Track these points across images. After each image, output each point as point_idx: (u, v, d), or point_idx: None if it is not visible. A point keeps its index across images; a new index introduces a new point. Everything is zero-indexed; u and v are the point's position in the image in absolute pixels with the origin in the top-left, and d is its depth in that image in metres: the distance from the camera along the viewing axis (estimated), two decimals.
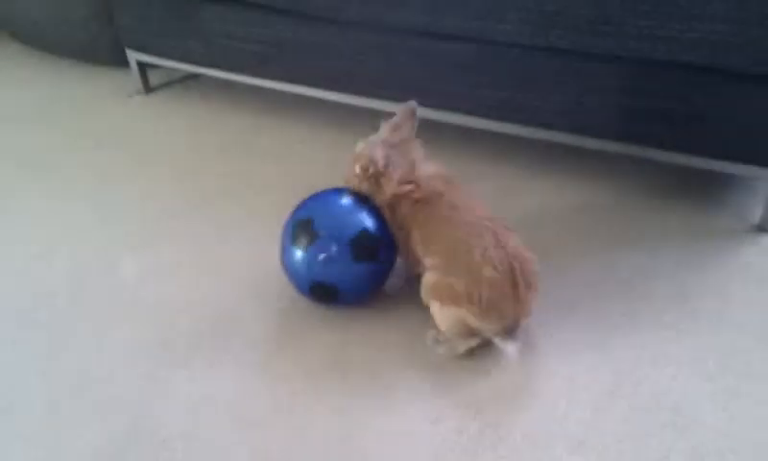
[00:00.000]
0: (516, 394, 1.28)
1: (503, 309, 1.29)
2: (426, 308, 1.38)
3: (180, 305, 1.53)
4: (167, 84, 2.58)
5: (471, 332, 1.34)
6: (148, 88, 2.52)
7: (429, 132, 2.09)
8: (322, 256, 1.37)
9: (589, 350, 1.36)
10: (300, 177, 1.93)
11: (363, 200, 1.44)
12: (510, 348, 1.32)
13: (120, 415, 1.28)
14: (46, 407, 1.31)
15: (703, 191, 1.83)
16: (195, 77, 2.61)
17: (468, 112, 1.89)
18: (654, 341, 1.38)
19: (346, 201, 1.44)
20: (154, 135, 2.25)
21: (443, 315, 1.35)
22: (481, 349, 1.35)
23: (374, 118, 2.12)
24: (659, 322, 1.42)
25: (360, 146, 1.48)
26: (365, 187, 1.46)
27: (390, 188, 1.43)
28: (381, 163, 1.42)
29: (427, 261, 1.37)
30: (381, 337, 1.42)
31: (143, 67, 2.48)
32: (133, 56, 2.44)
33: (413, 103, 1.50)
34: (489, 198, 1.79)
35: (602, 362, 1.33)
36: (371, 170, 1.43)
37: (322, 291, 1.42)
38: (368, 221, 1.41)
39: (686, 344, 1.37)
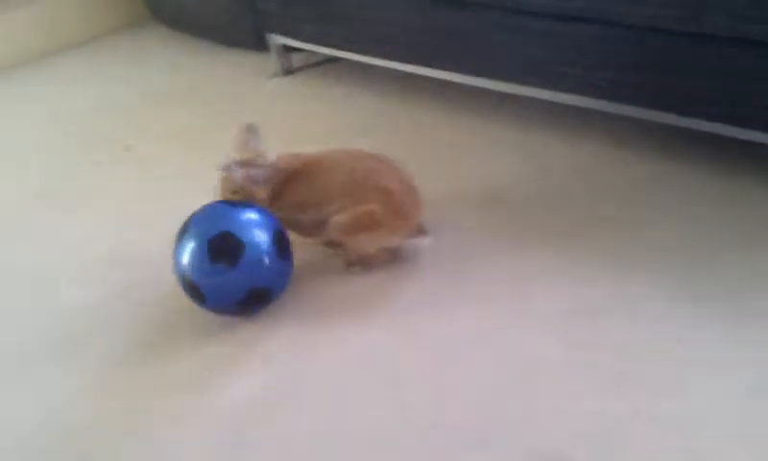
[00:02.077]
0: (665, 380, 1.26)
1: (413, 214, 1.53)
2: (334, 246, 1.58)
3: (320, 273, 1.61)
4: (305, 67, 2.68)
5: (383, 250, 1.56)
6: (286, 71, 2.63)
7: (556, 115, 2.10)
8: (185, 255, 1.39)
9: (735, 343, 1.32)
10: (431, 157, 2.00)
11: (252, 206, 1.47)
12: (426, 241, 1.58)
13: (269, 371, 1.37)
14: (199, 361, 1.42)
15: None
16: (333, 60, 2.69)
17: (601, 96, 1.85)
18: None
19: (226, 205, 1.48)
20: (293, 117, 2.36)
21: (368, 242, 1.52)
22: (624, 332, 1.36)
23: (504, 102, 2.16)
24: None
25: (221, 175, 1.55)
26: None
27: (263, 193, 1.54)
28: (242, 182, 1.52)
29: (332, 210, 1.50)
30: (520, 311, 1.44)
31: (283, 50, 2.59)
32: (274, 39, 2.56)
33: (249, 123, 1.61)
34: (620, 188, 1.78)
35: (748, 354, 1.30)
36: (239, 192, 1.53)
37: (191, 291, 1.42)
38: (236, 223, 1.41)
39: None
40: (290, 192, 1.56)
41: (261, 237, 1.41)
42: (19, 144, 2.41)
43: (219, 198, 1.56)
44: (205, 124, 2.35)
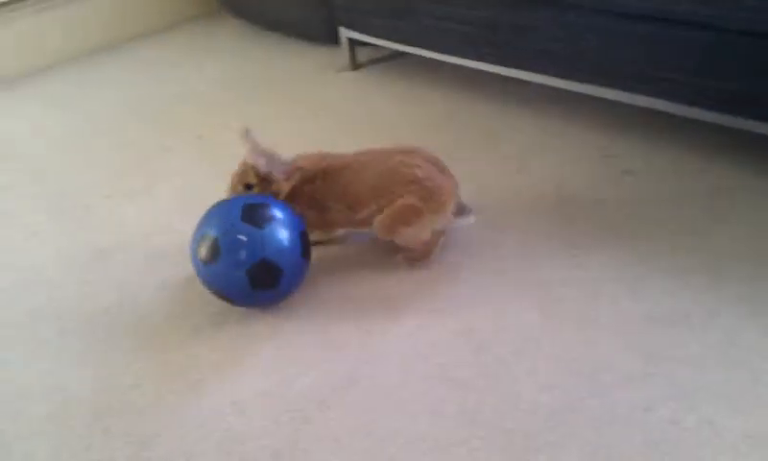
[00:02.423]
0: (739, 394, 1.21)
1: (448, 194, 1.54)
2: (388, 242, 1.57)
3: (389, 267, 1.60)
4: (372, 62, 2.69)
5: (435, 234, 1.56)
6: (354, 65, 2.64)
7: (638, 119, 2.04)
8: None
9: None
10: (501, 157, 1.97)
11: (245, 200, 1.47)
12: (471, 219, 1.61)
13: (337, 362, 1.37)
14: (267, 349, 1.43)
15: None
16: (399, 55, 2.69)
17: (691, 103, 1.79)
18: None
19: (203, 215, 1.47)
20: (360, 109, 2.36)
21: (416, 233, 1.52)
22: (697, 343, 1.31)
23: (582, 104, 2.12)
24: None
25: (238, 169, 1.59)
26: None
27: (284, 186, 1.56)
28: (264, 169, 1.55)
29: (367, 212, 1.54)
30: (587, 316, 1.41)
31: (352, 45, 2.60)
32: (345, 33, 2.57)
33: (245, 128, 1.56)
34: (701, 196, 1.72)
35: None
36: (258, 178, 1.55)
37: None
38: (208, 223, 1.44)
39: None
40: (312, 191, 1.57)
41: (229, 221, 1.42)
42: (94, 129, 2.48)
43: (230, 193, 1.58)
44: (276, 114, 2.37)
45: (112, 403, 1.35)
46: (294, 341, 1.44)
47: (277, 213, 1.45)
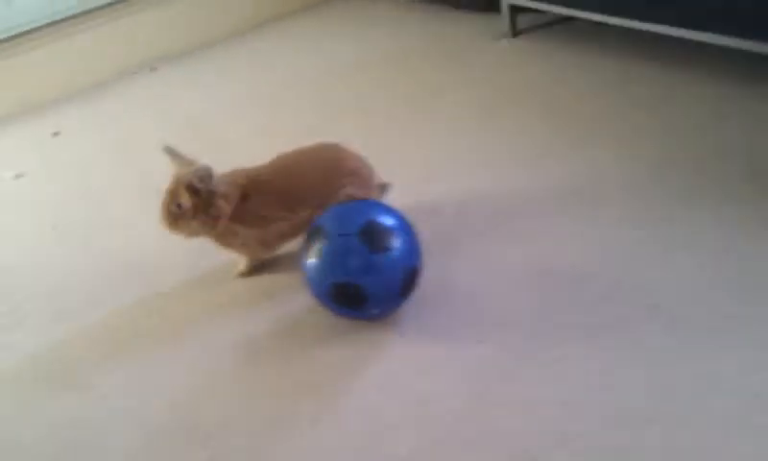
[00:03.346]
0: None
1: (374, 177, 1.65)
2: None
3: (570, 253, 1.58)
4: (533, 28, 2.61)
5: None
6: (515, 32, 2.58)
7: None
8: (336, 256, 1.35)
9: None
10: (671, 126, 1.89)
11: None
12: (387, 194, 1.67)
13: (515, 337, 1.37)
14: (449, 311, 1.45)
15: None
16: (561, 21, 2.60)
17: None
18: None
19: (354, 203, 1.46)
20: (522, 77, 2.32)
21: None
22: None
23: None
24: None
25: (170, 185, 1.50)
26: (197, 223, 1.51)
27: (225, 208, 1.52)
28: (205, 189, 1.48)
29: (308, 212, 1.52)
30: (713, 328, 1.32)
31: (513, 11, 2.54)
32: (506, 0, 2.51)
33: (167, 145, 1.54)
34: None
35: None
36: (194, 198, 1.48)
37: (345, 294, 1.35)
38: (375, 213, 1.39)
39: None
40: (251, 207, 1.55)
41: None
42: (253, 105, 2.54)
43: (161, 216, 1.50)
44: (437, 85, 2.37)
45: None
46: (468, 311, 1.45)
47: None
